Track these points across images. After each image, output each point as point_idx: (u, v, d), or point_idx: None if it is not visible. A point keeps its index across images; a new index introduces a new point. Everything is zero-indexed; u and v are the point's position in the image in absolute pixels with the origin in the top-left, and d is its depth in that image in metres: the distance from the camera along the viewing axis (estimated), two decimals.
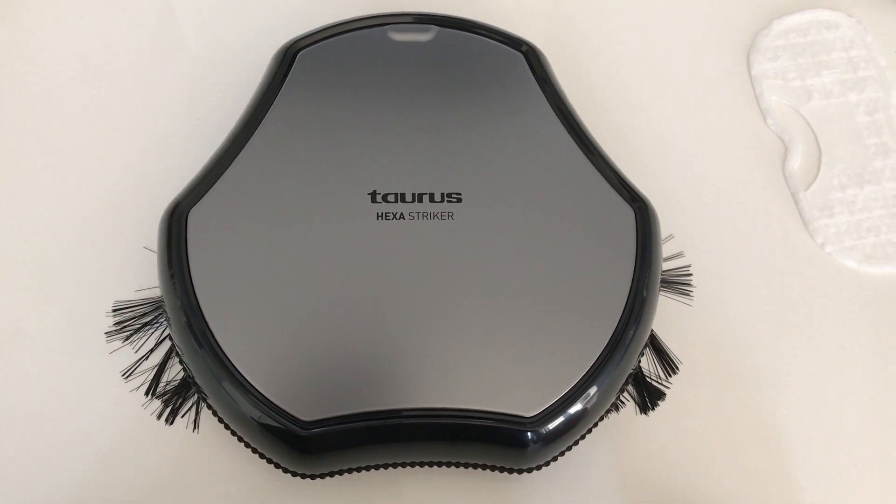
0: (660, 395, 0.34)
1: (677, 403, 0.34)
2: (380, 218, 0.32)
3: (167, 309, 0.31)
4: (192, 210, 0.32)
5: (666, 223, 0.34)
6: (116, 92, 0.40)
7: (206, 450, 0.32)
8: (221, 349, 0.29)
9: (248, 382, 0.29)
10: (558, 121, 0.35)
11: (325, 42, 0.36)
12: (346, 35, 0.36)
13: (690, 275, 0.36)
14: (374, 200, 0.32)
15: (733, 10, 0.45)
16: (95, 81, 0.41)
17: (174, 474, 0.32)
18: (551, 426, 0.29)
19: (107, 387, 0.33)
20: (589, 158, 0.34)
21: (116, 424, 0.33)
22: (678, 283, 0.36)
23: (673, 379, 0.34)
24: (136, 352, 0.34)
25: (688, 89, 0.42)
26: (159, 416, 0.32)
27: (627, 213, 0.33)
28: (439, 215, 0.32)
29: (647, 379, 0.34)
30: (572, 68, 0.40)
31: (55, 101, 0.40)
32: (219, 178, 0.32)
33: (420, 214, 0.32)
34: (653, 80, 0.42)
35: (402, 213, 0.32)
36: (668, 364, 0.34)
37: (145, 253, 0.35)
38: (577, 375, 0.30)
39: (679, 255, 0.37)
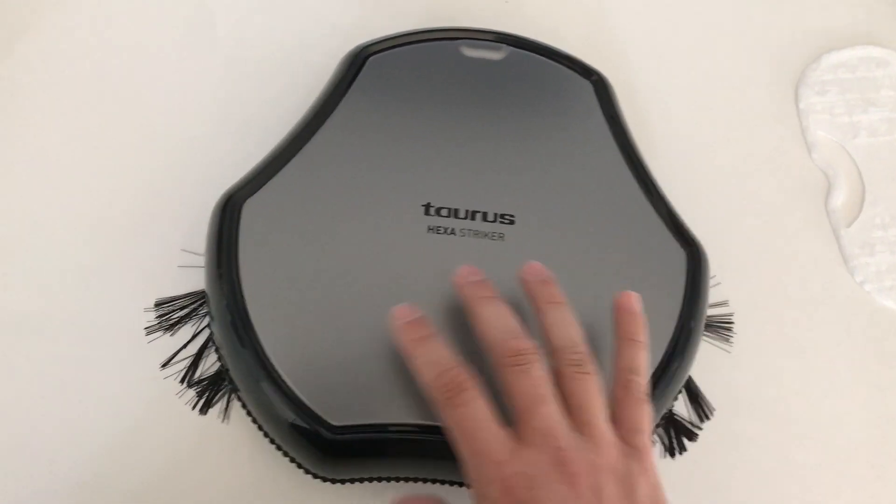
0: (690, 435, 0.34)
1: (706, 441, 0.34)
2: (431, 231, 0.32)
3: (211, 304, 0.31)
4: (247, 202, 0.31)
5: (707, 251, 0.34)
6: (157, 93, 0.39)
7: (232, 440, 0.32)
8: (262, 349, 0.29)
9: (284, 383, 0.29)
10: (620, 155, 0.35)
11: (396, 49, 0.36)
12: (418, 45, 0.36)
13: (732, 323, 0.36)
14: (427, 213, 0.32)
15: (784, 42, 0.44)
16: (137, 82, 0.40)
17: (198, 458, 0.32)
18: None
19: (143, 376, 0.33)
20: (646, 196, 0.34)
21: (152, 409, 0.32)
22: (719, 327, 0.36)
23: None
24: (173, 336, 0.33)
25: (735, 119, 0.42)
26: (193, 406, 0.32)
27: (679, 255, 0.33)
28: (490, 235, 0.32)
29: (679, 420, 0.34)
30: (620, 94, 0.39)
31: (96, 101, 0.39)
32: (276, 173, 0.32)
33: (471, 232, 0.32)
34: (700, 109, 0.42)
35: (453, 229, 0.32)
36: (702, 408, 0.34)
37: (185, 246, 0.34)
38: None
39: (724, 303, 0.36)
